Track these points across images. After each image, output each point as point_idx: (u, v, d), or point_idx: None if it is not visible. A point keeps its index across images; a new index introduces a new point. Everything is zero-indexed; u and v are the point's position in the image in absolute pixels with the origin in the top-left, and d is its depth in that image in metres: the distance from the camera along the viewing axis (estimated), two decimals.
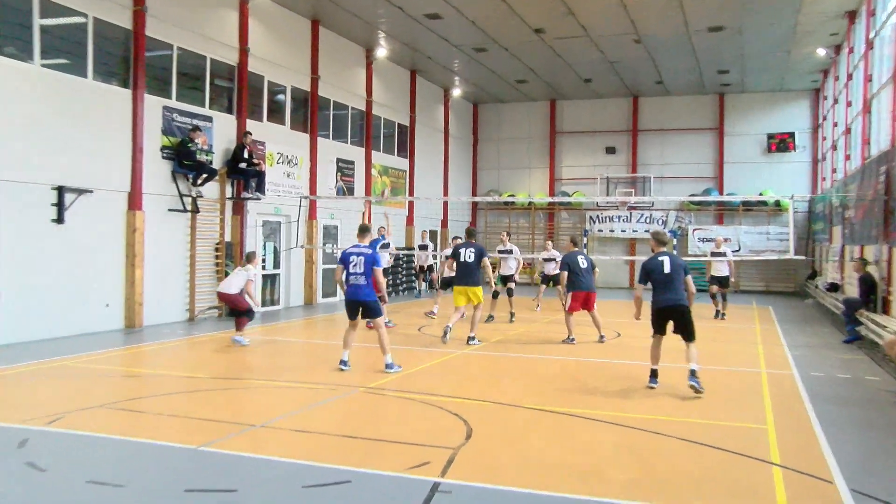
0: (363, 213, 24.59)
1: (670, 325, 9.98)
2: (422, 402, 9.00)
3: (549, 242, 22.31)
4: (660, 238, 10.44)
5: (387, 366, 10.80)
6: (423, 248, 24.29)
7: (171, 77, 16.66)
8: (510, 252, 18.64)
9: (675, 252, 10.65)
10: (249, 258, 13.90)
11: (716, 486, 6.05)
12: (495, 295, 17.41)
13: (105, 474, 6.20)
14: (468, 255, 13.95)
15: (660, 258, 10.02)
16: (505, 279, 18.56)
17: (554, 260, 20.23)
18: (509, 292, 17.87)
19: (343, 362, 10.84)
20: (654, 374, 9.95)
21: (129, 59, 15.43)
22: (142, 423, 7.98)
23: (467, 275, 13.84)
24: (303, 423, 7.99)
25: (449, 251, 16.42)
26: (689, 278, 9.93)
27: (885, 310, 14.71)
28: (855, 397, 9.78)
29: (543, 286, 20.98)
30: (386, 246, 17.37)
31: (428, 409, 8.68)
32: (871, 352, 13.44)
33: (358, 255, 10.95)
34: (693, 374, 9.35)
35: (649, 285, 10.16)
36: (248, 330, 13.77)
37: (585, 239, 30.28)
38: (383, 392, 9.54)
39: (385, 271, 17.04)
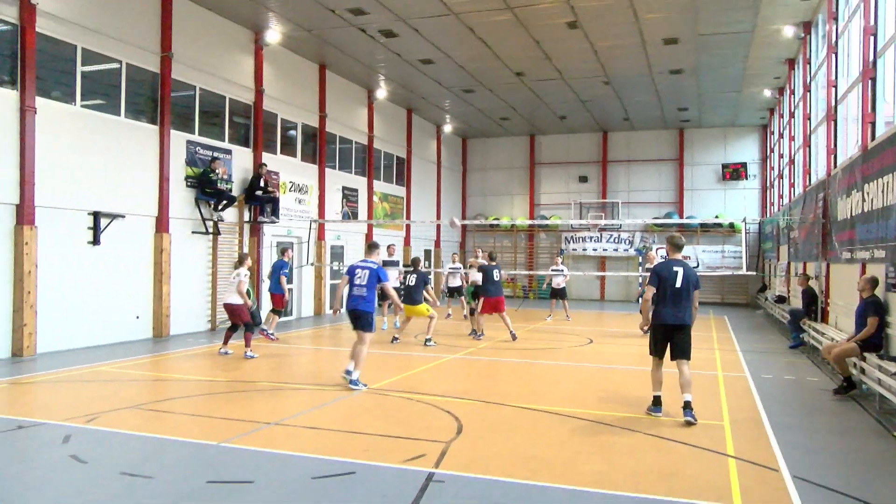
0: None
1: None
2: (418, 401, 9.01)
3: (559, 258, 22.39)
4: (675, 243, 8.51)
5: (346, 373, 9.85)
6: (455, 271, 20.60)
7: (194, 114, 16.74)
8: (458, 269, 20.24)
9: (688, 262, 8.64)
10: (241, 260, 13.06)
11: (678, 477, 6.09)
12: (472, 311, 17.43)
13: (136, 467, 6.21)
14: (411, 279, 14.98)
15: (675, 268, 8.28)
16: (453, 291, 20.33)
17: (562, 273, 20.65)
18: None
19: (348, 371, 9.88)
20: (656, 402, 8.35)
21: (157, 99, 15.52)
22: (168, 422, 7.98)
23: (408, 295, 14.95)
24: (312, 421, 8.00)
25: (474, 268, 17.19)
26: (697, 293, 8.37)
27: (824, 319, 14.82)
28: (798, 396, 9.86)
29: (553, 300, 21.20)
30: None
31: (423, 407, 8.69)
32: (812, 356, 13.54)
33: (363, 268, 10.15)
34: (688, 406, 7.98)
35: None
36: (261, 338, 13.71)
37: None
38: (383, 393, 9.54)
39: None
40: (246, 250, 18.22)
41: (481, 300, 15.58)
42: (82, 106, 13.74)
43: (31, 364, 11.73)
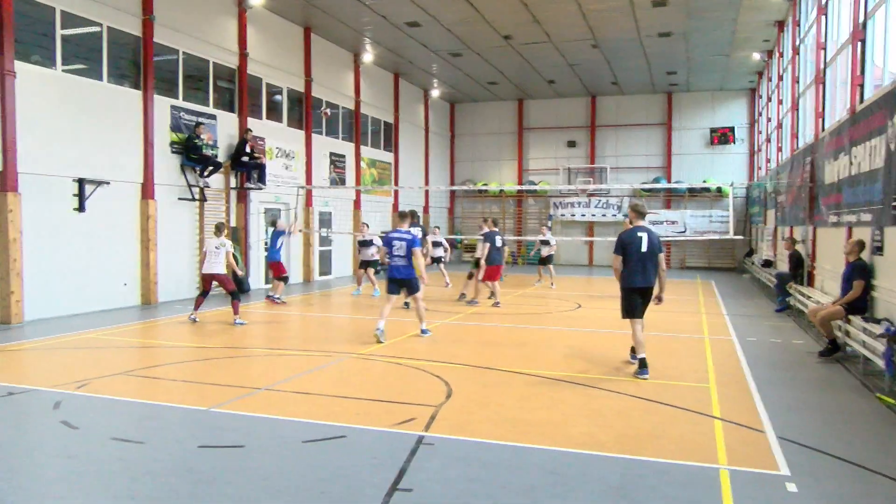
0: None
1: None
2: (407, 366, 9.05)
3: (545, 227, 22.45)
4: (639, 209, 8.79)
5: (422, 331, 11.28)
6: (437, 244, 19.96)
7: (178, 79, 16.50)
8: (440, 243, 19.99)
9: (651, 228, 9.07)
10: (220, 228, 12.90)
11: (664, 438, 6.17)
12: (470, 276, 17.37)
13: (127, 432, 6.23)
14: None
15: (638, 234, 8.58)
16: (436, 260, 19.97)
17: (548, 243, 20.81)
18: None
19: (379, 330, 10.66)
20: (643, 364, 8.44)
21: (140, 64, 15.27)
22: (158, 388, 7.99)
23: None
24: (301, 386, 8.02)
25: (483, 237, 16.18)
26: (662, 257, 8.67)
27: (810, 283, 14.96)
28: (784, 359, 9.98)
29: (541, 266, 21.40)
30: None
31: (413, 372, 8.73)
32: (798, 319, 13.70)
33: (400, 239, 10.97)
34: (635, 350, 8.72)
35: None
36: (251, 305, 13.67)
37: (550, 222, 30.38)
38: (372, 358, 9.58)
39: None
40: (233, 217, 18.14)
41: (482, 267, 15.54)
42: (63, 70, 13.50)
43: (19, 331, 11.69)
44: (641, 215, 8.80)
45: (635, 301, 8.71)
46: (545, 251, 21.08)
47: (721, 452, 5.72)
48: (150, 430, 6.33)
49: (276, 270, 15.71)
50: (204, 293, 12.99)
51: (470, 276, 16.96)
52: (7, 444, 5.96)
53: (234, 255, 17.63)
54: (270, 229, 16.35)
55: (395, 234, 11.09)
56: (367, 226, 19.32)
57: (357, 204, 24.63)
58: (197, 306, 12.94)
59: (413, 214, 15.01)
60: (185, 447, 5.84)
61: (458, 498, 4.77)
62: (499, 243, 15.61)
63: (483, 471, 5.28)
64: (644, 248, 8.53)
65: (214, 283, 12.87)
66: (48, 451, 5.76)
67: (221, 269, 12.68)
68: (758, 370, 8.99)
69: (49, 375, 8.52)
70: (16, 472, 5.30)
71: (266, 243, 18.80)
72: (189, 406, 7.02)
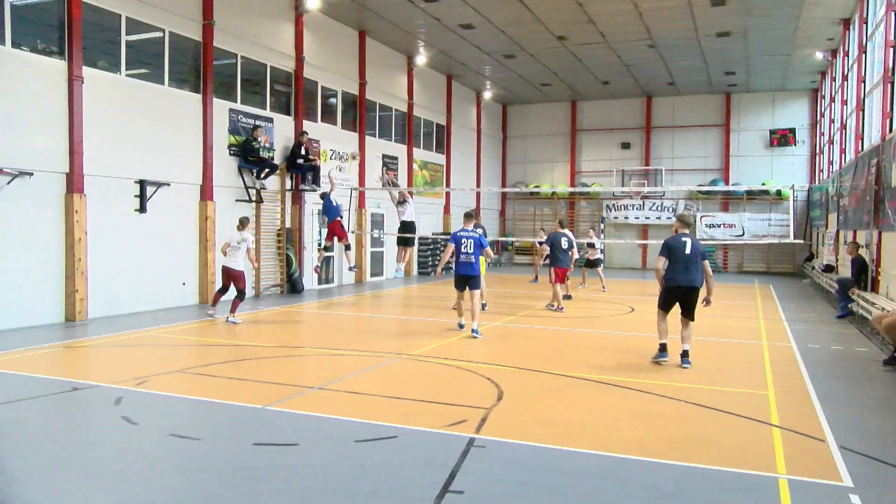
0: None
1: (675, 306, 9.52)
2: (458, 367, 9.05)
3: (592, 230, 22.10)
4: (685, 220, 9.69)
5: (473, 331, 11.51)
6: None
7: (236, 83, 16.86)
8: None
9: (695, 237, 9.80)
10: (244, 223, 13.04)
11: (720, 445, 6.03)
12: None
13: (185, 428, 6.38)
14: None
15: (683, 238, 9.37)
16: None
17: (594, 245, 20.60)
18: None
19: (460, 325, 12.12)
20: (663, 349, 9.42)
21: (200, 68, 15.65)
22: (215, 385, 8.15)
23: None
24: (354, 385, 8.09)
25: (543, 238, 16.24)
26: (707, 263, 9.40)
27: (875, 288, 14.45)
28: (846, 366, 9.66)
29: (586, 269, 21.15)
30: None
31: (464, 374, 8.73)
32: (861, 326, 13.23)
33: (468, 237, 11.66)
34: (686, 354, 9.21)
35: None
36: (304, 304, 13.85)
37: (603, 225, 30.09)
38: (424, 359, 9.61)
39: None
40: (289, 218, 18.43)
41: (552, 270, 15.39)
42: (127, 75, 13.93)
43: (83, 329, 12.10)
44: (687, 226, 9.63)
45: (671, 300, 9.46)
46: (591, 254, 20.82)
47: (780, 461, 5.56)
48: (206, 427, 6.47)
49: (338, 231, 15.82)
50: (223, 289, 13.08)
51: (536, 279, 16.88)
52: (72, 438, 6.18)
53: (288, 255, 18.05)
54: (321, 200, 16.50)
55: (464, 233, 11.74)
56: (411, 194, 19.22)
57: None
58: (233, 309, 12.86)
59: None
60: (239, 444, 5.95)
61: (510, 501, 4.75)
62: (564, 245, 15.30)
63: (534, 474, 5.24)
64: (688, 251, 9.27)
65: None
66: (110, 446, 5.94)
67: (238, 266, 12.80)
68: (818, 377, 8.72)
69: (111, 372, 8.80)
70: (77, 465, 5.48)
71: (320, 244, 19.03)
72: (243, 404, 7.15)
